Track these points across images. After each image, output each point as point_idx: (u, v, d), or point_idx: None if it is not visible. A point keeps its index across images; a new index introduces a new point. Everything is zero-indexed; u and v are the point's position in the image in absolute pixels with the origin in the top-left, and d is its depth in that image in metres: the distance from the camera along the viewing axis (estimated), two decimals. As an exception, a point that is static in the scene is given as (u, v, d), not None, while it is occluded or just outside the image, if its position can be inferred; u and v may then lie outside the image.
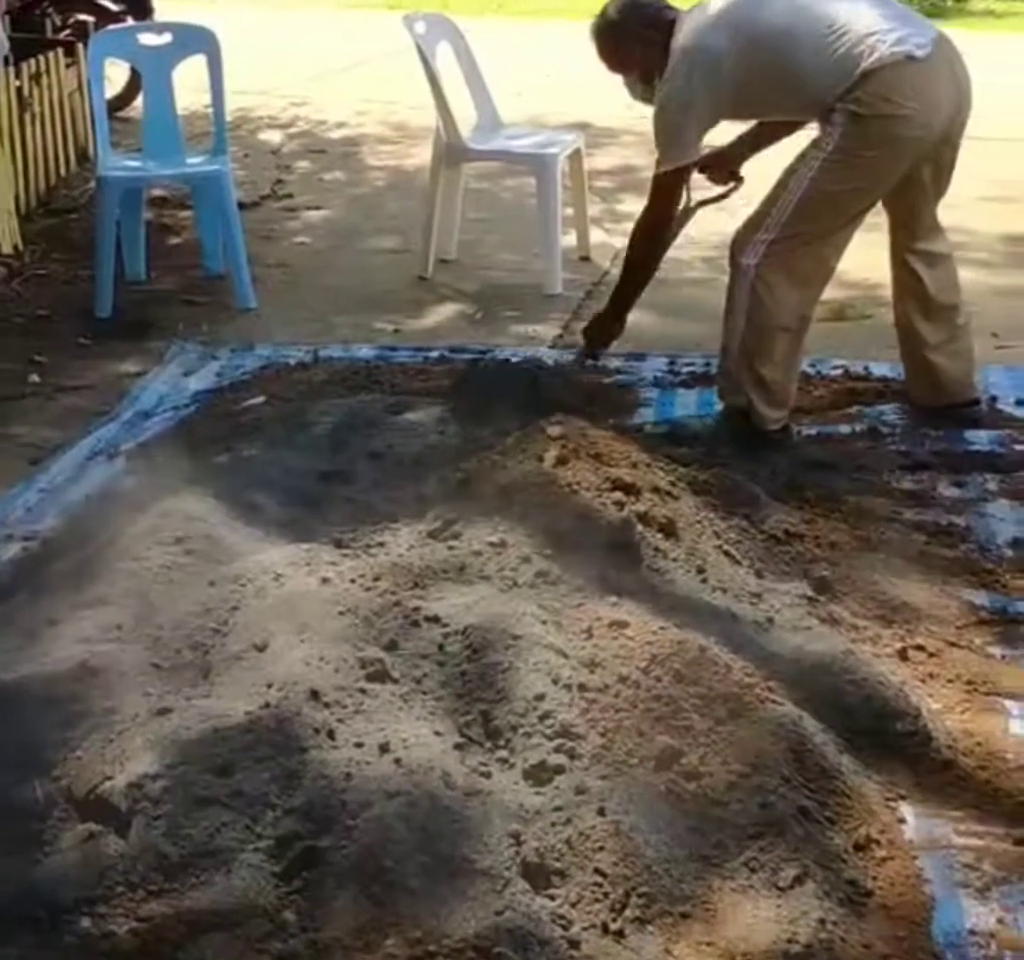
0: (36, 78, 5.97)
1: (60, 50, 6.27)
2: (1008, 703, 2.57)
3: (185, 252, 5.41)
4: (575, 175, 5.22)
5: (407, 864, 1.98)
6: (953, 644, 2.74)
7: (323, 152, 7.17)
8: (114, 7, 7.13)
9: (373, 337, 4.57)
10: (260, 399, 3.85)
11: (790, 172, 3.45)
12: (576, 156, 5.16)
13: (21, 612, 2.62)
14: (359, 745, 2.17)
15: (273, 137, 7.49)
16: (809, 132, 3.55)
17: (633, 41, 3.57)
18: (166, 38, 5.04)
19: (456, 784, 2.10)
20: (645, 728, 2.25)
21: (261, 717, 2.20)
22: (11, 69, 5.71)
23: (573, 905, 1.97)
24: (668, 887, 2.02)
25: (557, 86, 7.96)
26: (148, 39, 5.11)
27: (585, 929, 1.94)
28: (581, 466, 2.87)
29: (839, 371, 4.12)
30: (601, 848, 2.04)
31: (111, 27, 6.02)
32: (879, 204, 3.57)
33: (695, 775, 2.18)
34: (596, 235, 5.41)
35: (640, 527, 2.76)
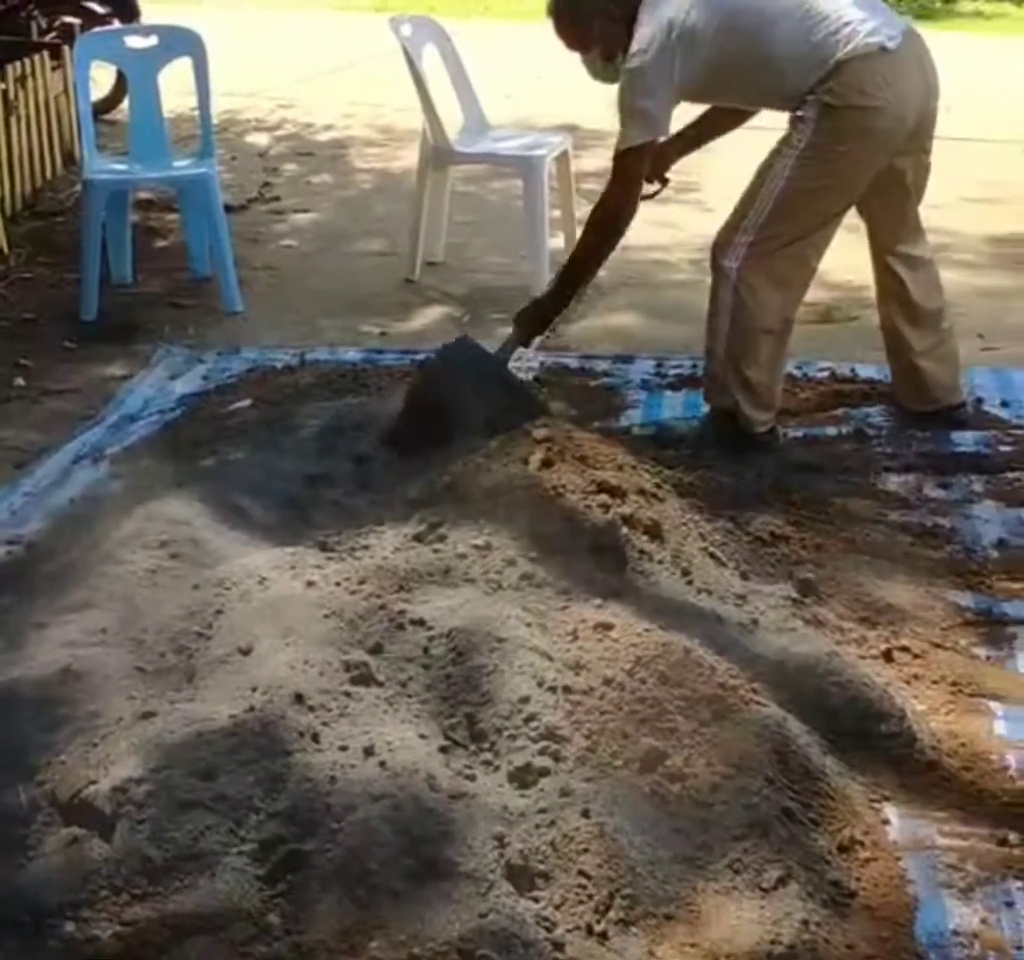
0: (22, 81, 5.96)
1: (46, 53, 6.26)
2: (992, 704, 2.58)
3: (171, 255, 5.41)
4: (562, 177, 5.22)
5: (391, 867, 1.98)
6: (938, 645, 2.75)
7: (310, 155, 7.17)
8: (100, 9, 7.13)
9: (360, 340, 4.57)
10: (246, 402, 3.85)
11: (764, 171, 3.43)
12: (563, 158, 5.17)
13: (5, 616, 2.62)
14: (343, 748, 2.17)
15: (260, 140, 7.49)
16: (770, 131, 3.52)
17: (594, 17, 3.48)
18: (152, 41, 5.04)
19: (441, 787, 2.10)
20: (630, 730, 2.25)
21: (245, 721, 2.20)
22: (-4, 72, 5.71)
23: (557, 907, 1.98)
24: (652, 889, 2.02)
25: (544, 88, 7.97)
26: (134, 42, 5.11)
27: (569, 931, 1.94)
28: (566, 469, 2.87)
29: (825, 373, 4.13)
30: (585, 850, 2.04)
31: (97, 30, 6.00)
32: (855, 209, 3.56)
33: (679, 777, 2.18)
34: (583, 237, 5.41)
35: (625, 529, 2.76)
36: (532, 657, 2.36)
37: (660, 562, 2.76)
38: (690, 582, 2.74)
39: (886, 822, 2.27)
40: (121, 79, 6.48)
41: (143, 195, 5.80)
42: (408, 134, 6.54)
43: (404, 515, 2.85)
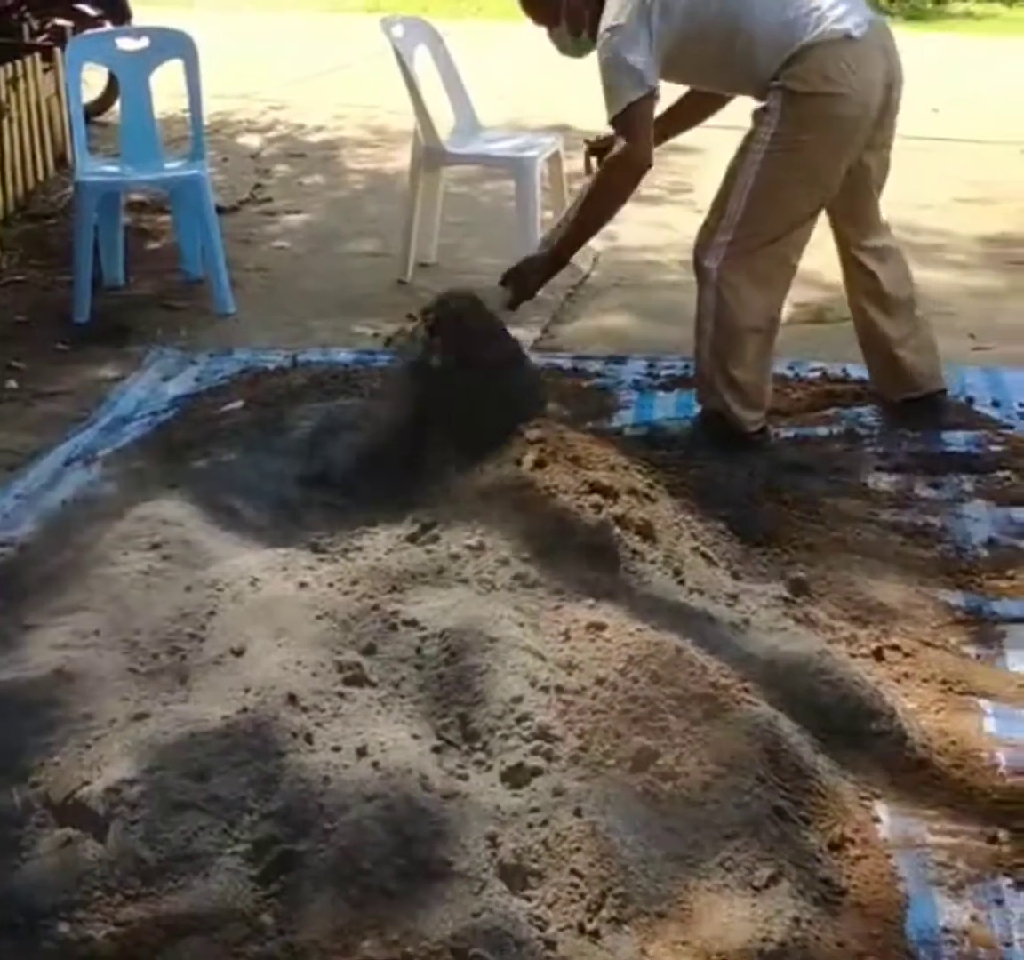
0: (13, 83, 5.96)
1: (37, 55, 6.26)
2: (982, 702, 2.59)
3: (163, 257, 5.41)
4: (554, 178, 5.23)
5: (384, 867, 1.99)
6: (928, 644, 2.76)
7: (302, 156, 7.17)
8: (92, 12, 7.13)
9: (352, 341, 4.57)
10: (239, 404, 3.85)
11: (734, 169, 3.44)
12: (555, 159, 5.17)
13: (-2, 618, 2.62)
14: (337, 749, 2.18)
15: (252, 141, 7.49)
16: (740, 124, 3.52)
17: None
18: (143, 43, 5.04)
19: (433, 787, 2.11)
20: (622, 729, 2.26)
21: (238, 722, 2.20)
22: (-12, 74, 5.71)
23: (549, 906, 1.99)
24: (644, 887, 2.03)
25: (537, 89, 7.98)
26: (126, 44, 5.11)
27: (561, 929, 1.95)
28: (559, 469, 2.88)
29: (817, 373, 4.14)
30: (577, 849, 2.05)
31: (88, 32, 6.01)
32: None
33: (671, 776, 2.19)
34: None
35: (617, 530, 2.77)
36: (525, 657, 2.37)
37: (652, 562, 2.77)
38: (682, 582, 2.75)
39: (877, 820, 2.27)
40: (113, 81, 6.47)
41: (135, 197, 5.80)
42: (400, 135, 6.55)
43: (397, 516, 2.86)
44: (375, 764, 2.13)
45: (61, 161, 6.34)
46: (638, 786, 2.18)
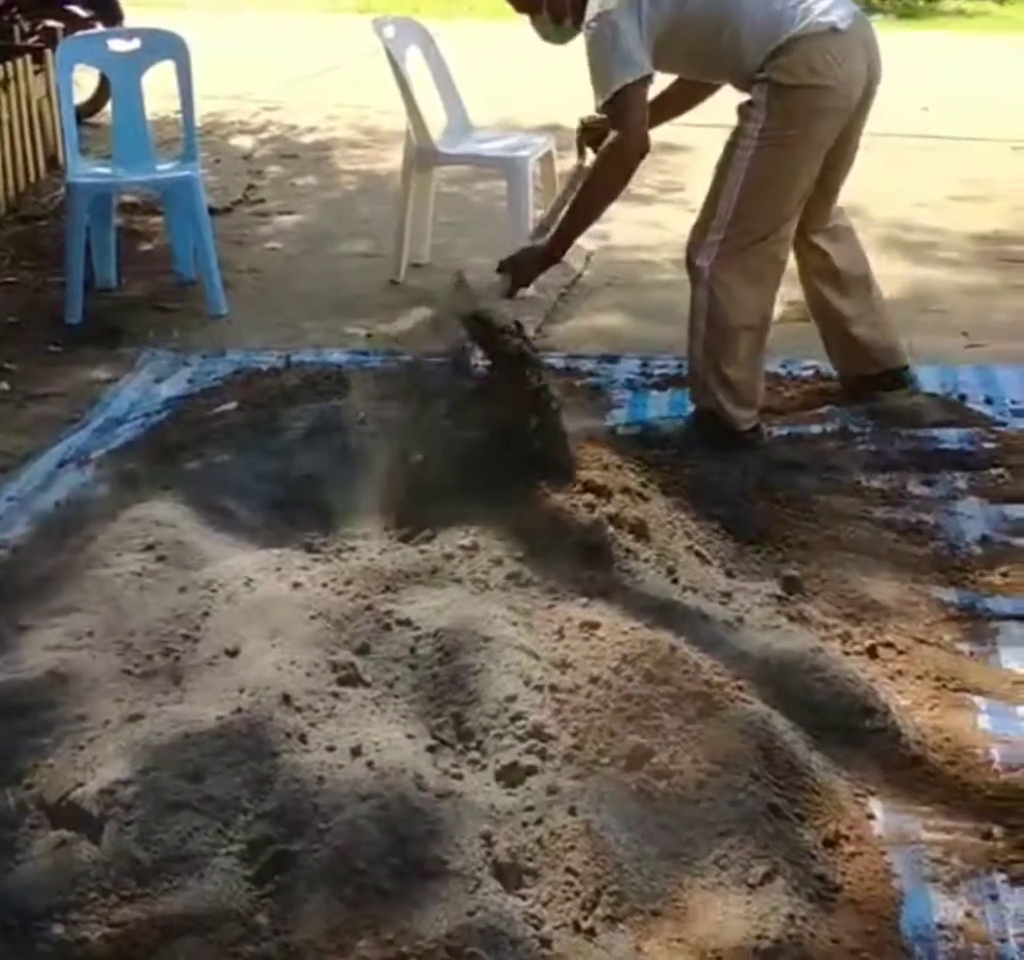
0: (4, 85, 5.96)
1: (28, 56, 6.25)
2: (976, 699, 2.60)
3: (156, 258, 5.41)
4: (546, 178, 5.23)
5: (379, 866, 1.99)
6: (922, 641, 2.77)
7: (295, 157, 7.17)
8: (83, 13, 7.12)
9: (345, 342, 4.57)
10: (232, 405, 3.85)
11: (723, 167, 3.44)
12: (547, 159, 5.18)
13: (-8, 620, 2.62)
14: (331, 749, 2.18)
15: (245, 142, 7.49)
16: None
17: None
18: (135, 44, 5.03)
19: (428, 786, 2.11)
20: (616, 728, 2.26)
21: (233, 722, 2.20)
22: (-21, 76, 5.70)
23: (544, 904, 1.99)
24: (639, 885, 2.03)
25: (528, 88, 7.98)
26: (117, 45, 5.11)
27: (556, 928, 1.95)
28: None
29: (810, 372, 4.14)
30: (572, 847, 2.05)
31: (80, 33, 6.00)
32: None
33: (665, 774, 2.20)
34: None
35: (611, 528, 2.77)
36: (519, 656, 2.37)
37: (645, 561, 2.77)
38: (675, 580, 2.76)
39: (871, 817, 2.28)
40: (104, 82, 6.47)
41: (127, 198, 5.80)
42: (392, 136, 6.54)
43: (391, 516, 2.86)
44: (369, 764, 2.13)
45: (53, 163, 6.33)
46: (632, 784, 2.18)
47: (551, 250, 3.46)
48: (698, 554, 2.91)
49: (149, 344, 4.53)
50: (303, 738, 2.19)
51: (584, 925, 1.97)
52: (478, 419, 3.01)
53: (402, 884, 1.97)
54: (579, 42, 3.42)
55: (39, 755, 2.20)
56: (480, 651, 2.37)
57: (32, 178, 6.24)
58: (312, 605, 2.51)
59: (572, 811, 2.10)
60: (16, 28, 6.84)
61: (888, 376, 3.82)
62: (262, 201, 6.30)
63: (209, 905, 1.96)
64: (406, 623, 2.47)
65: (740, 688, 2.39)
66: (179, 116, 5.09)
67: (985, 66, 9.22)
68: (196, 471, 3.20)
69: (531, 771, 2.18)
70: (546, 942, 1.93)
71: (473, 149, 5.21)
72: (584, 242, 5.27)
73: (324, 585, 2.59)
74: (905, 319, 4.67)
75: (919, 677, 2.64)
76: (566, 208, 3.47)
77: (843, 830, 2.20)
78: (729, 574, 2.89)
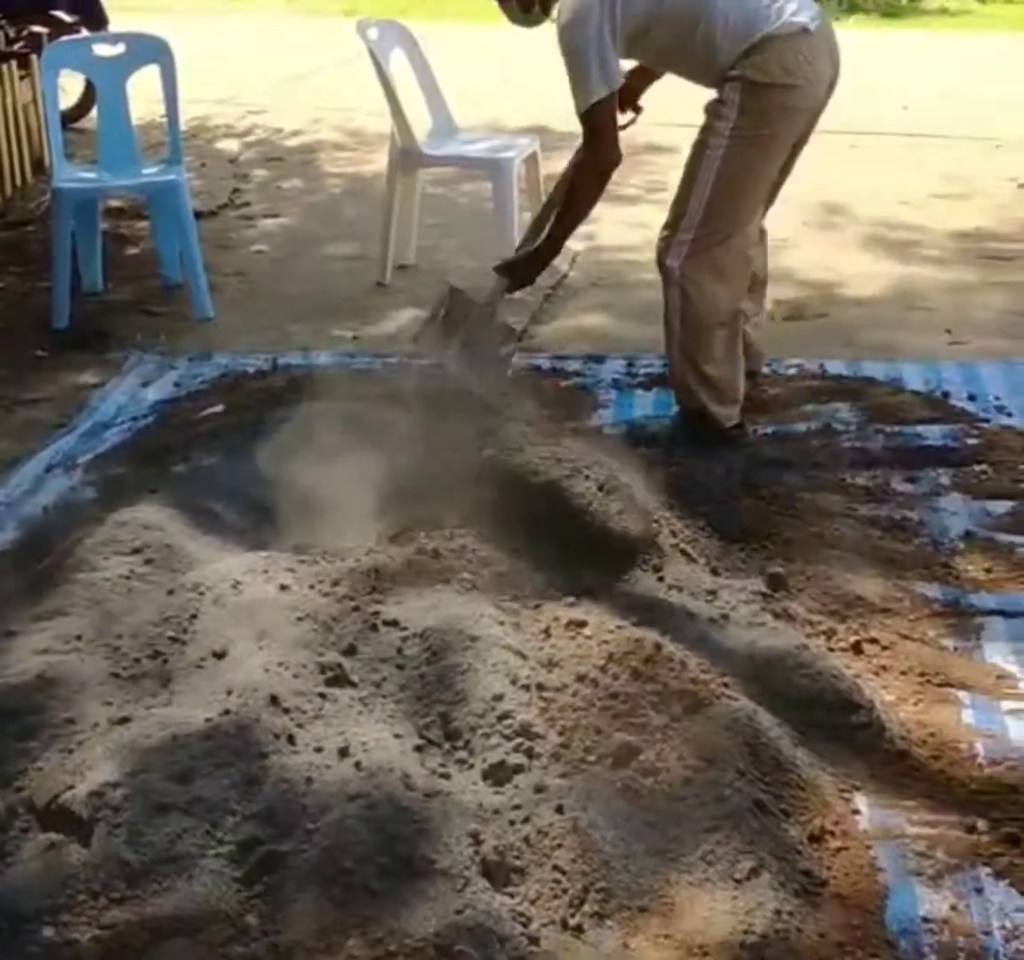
0: (-10, 90, 5.97)
1: (14, 62, 6.26)
2: (960, 694, 2.61)
3: (142, 262, 5.41)
4: (531, 179, 5.24)
5: (368, 865, 2.00)
6: (906, 637, 2.78)
7: (280, 160, 7.17)
8: (68, 18, 7.10)
9: (332, 344, 4.58)
10: (219, 408, 3.85)
11: (693, 166, 3.45)
12: (532, 160, 5.19)
13: (-20, 624, 2.62)
14: (319, 749, 2.19)
15: (230, 146, 7.49)
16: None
17: None
18: (120, 49, 5.03)
19: (416, 785, 2.12)
20: (603, 726, 2.27)
21: (221, 724, 2.21)
22: (-36, 81, 5.70)
23: (532, 902, 2.00)
24: (626, 882, 2.04)
25: (513, 90, 8.00)
26: (102, 50, 5.10)
27: (544, 925, 1.97)
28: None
29: (794, 370, 4.16)
30: (559, 845, 2.06)
31: (65, 38, 5.99)
32: None
33: (652, 771, 2.21)
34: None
35: (599, 525, 2.78)
36: (505, 655, 2.39)
37: (632, 559, 2.78)
38: (661, 578, 2.77)
39: (856, 812, 2.29)
40: (90, 87, 6.48)
41: (113, 203, 5.81)
42: (378, 138, 6.55)
43: (377, 517, 2.87)
44: (357, 764, 2.14)
45: (38, 167, 6.33)
46: (619, 782, 2.19)
47: (540, 258, 3.62)
48: (683, 552, 2.92)
49: (136, 348, 4.53)
50: (291, 739, 2.20)
51: (572, 922, 1.98)
52: (461, 419, 3.04)
53: (390, 883, 1.98)
54: (548, 28, 3.45)
55: (28, 758, 2.22)
56: (467, 651, 2.38)
57: (18, 183, 6.24)
58: (299, 607, 2.52)
59: (559, 809, 2.11)
60: (1, 33, 6.83)
61: (749, 376, 3.83)
62: (248, 204, 6.30)
63: (198, 906, 1.97)
64: (393, 623, 2.48)
65: (726, 685, 2.41)
66: (164, 120, 5.09)
67: (967, 65, 9.26)
68: (183, 474, 3.21)
69: (518, 770, 2.20)
70: (534, 939, 1.94)
71: (458, 150, 5.22)
72: (569, 243, 5.30)
73: (311, 587, 2.60)
74: (889, 317, 4.71)
75: (903, 673, 2.66)
76: (553, 217, 3.58)
77: (828, 825, 2.21)
78: (714, 572, 2.91)
